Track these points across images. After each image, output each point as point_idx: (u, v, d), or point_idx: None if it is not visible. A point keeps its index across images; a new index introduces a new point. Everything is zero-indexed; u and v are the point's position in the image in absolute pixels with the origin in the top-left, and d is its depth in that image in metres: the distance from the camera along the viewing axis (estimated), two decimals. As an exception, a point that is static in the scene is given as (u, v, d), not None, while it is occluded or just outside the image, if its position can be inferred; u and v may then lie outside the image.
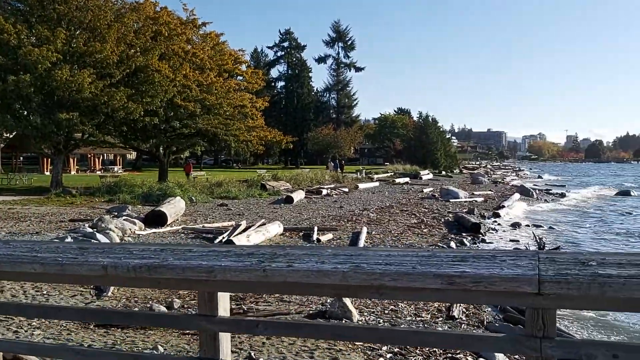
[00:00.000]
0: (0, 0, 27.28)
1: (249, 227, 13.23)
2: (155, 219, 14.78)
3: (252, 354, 4.91)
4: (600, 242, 15.93)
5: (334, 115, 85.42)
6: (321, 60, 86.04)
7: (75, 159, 49.01)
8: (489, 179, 51.12)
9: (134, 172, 43.20)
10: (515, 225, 18.59)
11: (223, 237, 12.09)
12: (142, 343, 5.14)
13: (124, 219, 13.99)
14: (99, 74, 25.30)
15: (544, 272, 1.88)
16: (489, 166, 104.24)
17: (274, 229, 13.19)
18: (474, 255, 2.12)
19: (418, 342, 2.93)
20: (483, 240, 14.80)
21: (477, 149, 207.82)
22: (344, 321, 6.46)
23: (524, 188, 35.04)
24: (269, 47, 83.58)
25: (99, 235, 11.54)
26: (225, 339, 2.40)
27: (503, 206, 23.34)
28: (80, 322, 5.39)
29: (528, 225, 18.86)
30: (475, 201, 26.30)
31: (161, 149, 33.75)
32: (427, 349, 5.19)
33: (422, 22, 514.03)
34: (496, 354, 4.93)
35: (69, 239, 10.88)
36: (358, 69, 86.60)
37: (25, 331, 5.46)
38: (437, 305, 7.48)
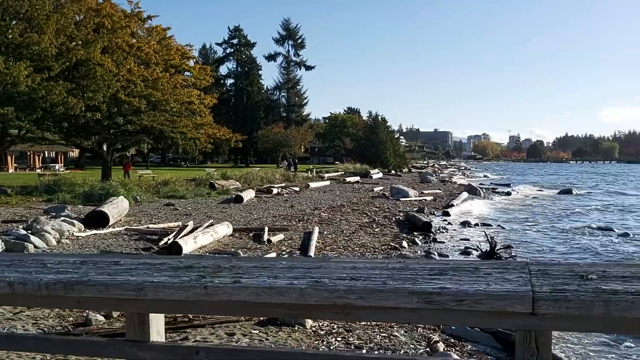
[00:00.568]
0: None
1: (197, 228, 12.69)
2: (97, 220, 14.00)
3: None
4: (550, 239, 16.23)
5: (284, 114, 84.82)
6: (271, 58, 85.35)
7: (14, 157, 46.56)
8: (437, 178, 51.93)
9: (76, 171, 41.35)
10: (465, 224, 18.75)
11: (168, 239, 11.52)
12: None
13: (62, 220, 13.14)
14: (37, 66, 23.90)
15: (538, 288, 1.59)
16: (436, 165, 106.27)
17: (223, 229, 12.71)
18: (453, 267, 1.82)
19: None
20: (434, 240, 14.78)
21: (424, 148, 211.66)
22: (296, 327, 6.13)
23: (472, 187, 35.70)
24: (217, 44, 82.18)
25: (33, 238, 10.76)
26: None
27: (452, 205, 23.60)
28: None
29: (477, 224, 19.07)
30: (425, 200, 26.53)
31: (104, 146, 32.36)
32: None
33: (371, 22, 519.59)
34: None
35: (-2, 243, 10.06)
36: (308, 68, 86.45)
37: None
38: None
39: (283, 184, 30.70)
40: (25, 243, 10.43)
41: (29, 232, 11.37)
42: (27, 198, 20.43)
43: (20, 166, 47.95)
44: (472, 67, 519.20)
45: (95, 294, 1.93)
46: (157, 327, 2.02)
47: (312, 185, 32.69)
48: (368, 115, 77.60)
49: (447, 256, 12.50)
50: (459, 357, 5.71)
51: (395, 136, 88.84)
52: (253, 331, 5.93)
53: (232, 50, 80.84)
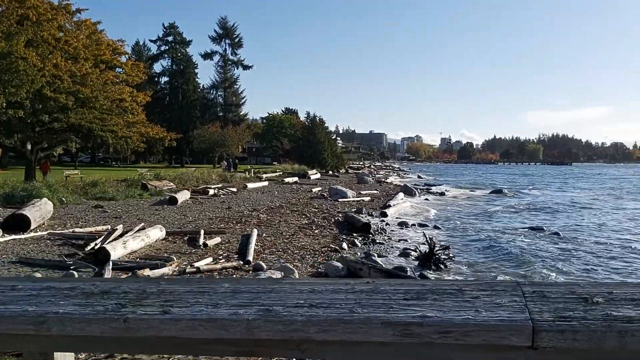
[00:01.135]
0: None
1: (127, 231, 11.97)
2: (17, 224, 12.95)
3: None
4: (486, 239, 16.51)
5: (221, 114, 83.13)
6: (207, 56, 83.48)
7: None
8: (373, 179, 52.49)
9: (-3, 171, 38.68)
10: (403, 225, 18.84)
11: (96, 244, 10.77)
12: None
13: (-25, 225, 12.06)
14: (-49, 59, 22.15)
15: (537, 316, 1.32)
16: (372, 166, 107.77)
17: (155, 233, 12.04)
18: (433, 289, 1.52)
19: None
20: (373, 241, 14.68)
21: (360, 149, 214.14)
22: None
23: (407, 187, 36.23)
24: (151, 41, 79.46)
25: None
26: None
27: (389, 205, 23.72)
28: None
29: (414, 225, 19.22)
30: (363, 200, 26.60)
31: (28, 145, 30.40)
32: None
33: (309, 23, 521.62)
34: None
35: None
36: (246, 67, 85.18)
37: None
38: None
39: (220, 185, 29.93)
40: None
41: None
42: (-63, 200, 18.76)
43: None
44: (406, 70, 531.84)
45: None
46: (65, 370, 1.61)
47: (250, 186, 32.10)
48: (306, 116, 77.45)
49: (387, 258, 12.42)
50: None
51: (333, 137, 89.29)
52: None
53: (166, 47, 78.43)
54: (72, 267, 9.06)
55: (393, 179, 60.19)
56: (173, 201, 20.61)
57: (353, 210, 20.97)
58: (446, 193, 38.50)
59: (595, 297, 1.41)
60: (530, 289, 1.50)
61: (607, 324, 1.27)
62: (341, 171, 69.05)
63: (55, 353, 1.58)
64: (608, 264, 12.99)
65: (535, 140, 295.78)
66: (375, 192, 33.16)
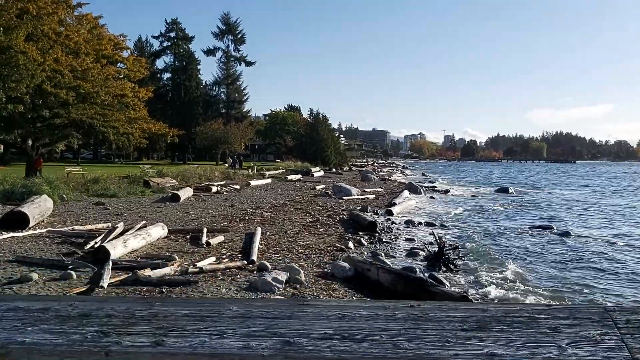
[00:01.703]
0: None
1: (128, 229, 11.66)
2: (15, 221, 12.65)
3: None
4: (493, 239, 16.20)
5: (223, 110, 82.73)
6: (210, 52, 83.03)
7: None
8: (377, 176, 52.12)
9: (-1, 167, 38.45)
10: (409, 223, 18.52)
11: (95, 242, 10.46)
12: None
13: (-28, 222, 11.77)
14: (-50, 52, 21.87)
15: None
16: (375, 164, 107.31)
17: (157, 231, 11.72)
18: (496, 315, 1.20)
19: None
20: (380, 240, 14.35)
21: (363, 147, 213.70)
22: None
23: (412, 185, 35.85)
24: (154, 37, 79.11)
25: None
26: None
27: (394, 203, 23.38)
28: None
29: (421, 223, 18.90)
30: (368, 198, 26.27)
31: (29, 141, 30.14)
32: None
33: (312, 20, 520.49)
34: None
35: None
36: (249, 64, 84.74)
37: None
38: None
39: (223, 182, 29.62)
40: None
41: None
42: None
43: None
44: (410, 67, 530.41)
45: None
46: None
47: (253, 183, 31.78)
48: (309, 113, 77.05)
49: (395, 258, 12.10)
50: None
51: (336, 134, 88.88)
52: None
53: (169, 43, 78.06)
54: (70, 267, 8.76)
55: (397, 177, 59.85)
56: (175, 198, 20.32)
57: (358, 208, 20.64)
58: (451, 191, 38.14)
59: None
60: (623, 316, 1.18)
61: None
62: (344, 169, 68.67)
63: None
64: (617, 266, 12.66)
65: (539, 138, 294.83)
66: (379, 189, 32.81)
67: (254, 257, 9.90)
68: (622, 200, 32.93)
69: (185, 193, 21.76)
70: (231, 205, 19.57)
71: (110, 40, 33.11)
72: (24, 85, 23.75)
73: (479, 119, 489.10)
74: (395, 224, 18.27)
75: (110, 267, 8.42)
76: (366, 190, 30.79)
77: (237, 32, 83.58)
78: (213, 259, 9.70)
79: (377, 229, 15.63)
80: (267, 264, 9.33)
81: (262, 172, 43.11)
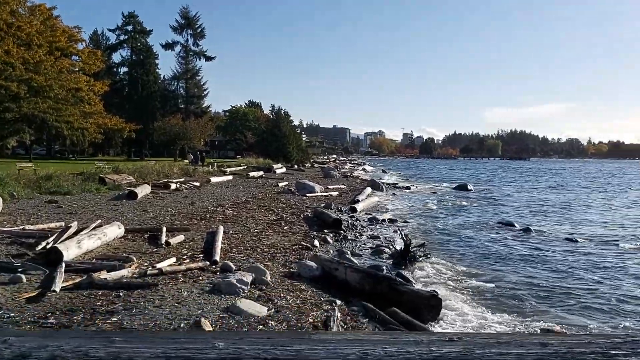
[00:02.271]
0: None
1: (82, 229, 11.08)
2: (-41, 221, 11.88)
3: None
4: (457, 236, 16.25)
5: (182, 105, 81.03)
6: (169, 46, 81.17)
7: None
8: (339, 173, 52.07)
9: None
10: (373, 220, 18.41)
11: (47, 243, 9.86)
12: None
13: None
14: None
15: None
16: (337, 161, 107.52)
17: (113, 231, 11.17)
18: (560, 352, 0.94)
19: None
20: (345, 238, 14.18)
21: (324, 144, 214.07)
22: None
23: (375, 182, 35.89)
24: (110, 30, 76.68)
25: None
26: None
27: (358, 200, 23.26)
28: None
29: (385, 220, 18.83)
30: (331, 195, 26.10)
31: (-24, 136, 28.74)
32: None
33: (273, 16, 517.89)
34: None
35: None
36: (208, 58, 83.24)
37: None
38: (312, 321, 6.42)
39: (182, 179, 28.87)
40: None
41: None
42: None
43: None
44: (369, 66, 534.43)
45: None
46: None
47: (214, 180, 31.14)
48: (271, 109, 76.37)
49: (361, 256, 11.91)
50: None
51: (297, 131, 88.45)
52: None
53: (126, 37, 75.84)
54: (20, 270, 8.19)
55: (358, 173, 59.99)
56: (132, 196, 19.62)
57: (322, 205, 20.42)
58: (412, 188, 38.43)
59: None
60: None
61: None
62: (307, 165, 68.39)
63: None
64: (580, 263, 12.84)
65: (494, 136, 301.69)
66: (342, 186, 32.69)
67: (217, 257, 9.52)
68: (572, 196, 33.86)
69: (143, 190, 21.05)
70: (191, 203, 19.02)
71: (64, 32, 31.88)
72: (-30, 77, 22.56)
73: (437, 117, 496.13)
74: (360, 221, 18.12)
75: (63, 269, 7.91)
76: (329, 187, 30.60)
77: (197, 26, 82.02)
78: (173, 259, 9.27)
79: (342, 227, 15.43)
80: (231, 264, 8.97)
81: (222, 168, 42.38)
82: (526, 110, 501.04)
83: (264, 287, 7.80)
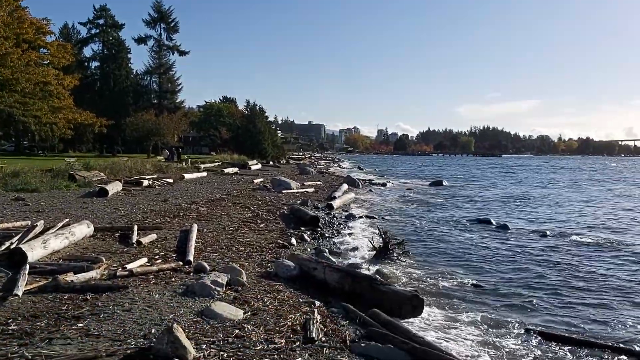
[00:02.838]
0: None
1: (49, 228, 10.62)
2: None
3: None
4: (434, 232, 16.18)
5: (155, 101, 79.53)
6: (141, 40, 79.47)
7: None
8: (315, 170, 51.89)
9: None
10: (350, 217, 18.24)
11: (11, 243, 9.38)
12: None
13: None
14: None
15: None
16: (312, 157, 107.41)
17: (82, 230, 10.73)
18: None
19: None
20: (322, 235, 13.95)
21: (299, 140, 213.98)
22: (175, 361, 4.78)
23: (351, 178, 35.81)
24: (81, 24, 74.82)
25: None
26: None
27: (334, 197, 23.07)
28: None
29: (362, 217, 18.70)
30: (307, 192, 25.86)
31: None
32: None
33: (246, 11, 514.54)
34: None
35: None
36: (182, 53, 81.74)
37: None
38: (290, 325, 6.16)
39: (155, 176, 28.28)
40: None
41: None
42: None
43: None
44: (344, 62, 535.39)
45: None
46: None
47: (188, 176, 30.60)
48: (246, 104, 75.59)
49: (339, 254, 11.70)
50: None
51: (273, 127, 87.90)
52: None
53: (97, 31, 74.13)
54: (-20, 272, 7.75)
55: (334, 170, 59.93)
56: (103, 193, 19.07)
57: (298, 202, 20.16)
58: (388, 184, 38.45)
59: None
60: None
61: None
62: (282, 162, 68.03)
63: None
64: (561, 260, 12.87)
65: (467, 133, 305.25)
66: (318, 183, 32.48)
67: (190, 257, 9.20)
68: (548, 191, 34.28)
69: (114, 187, 20.50)
70: (164, 200, 18.57)
71: (32, 23, 30.90)
72: None
73: (411, 113, 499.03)
74: (337, 218, 17.92)
75: (27, 271, 7.49)
76: (305, 183, 30.35)
77: (170, 20, 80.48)
78: (145, 260, 8.91)
79: (320, 224, 15.20)
80: (205, 264, 8.66)
81: (197, 165, 41.76)
82: (498, 107, 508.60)
83: (239, 289, 7.52)
